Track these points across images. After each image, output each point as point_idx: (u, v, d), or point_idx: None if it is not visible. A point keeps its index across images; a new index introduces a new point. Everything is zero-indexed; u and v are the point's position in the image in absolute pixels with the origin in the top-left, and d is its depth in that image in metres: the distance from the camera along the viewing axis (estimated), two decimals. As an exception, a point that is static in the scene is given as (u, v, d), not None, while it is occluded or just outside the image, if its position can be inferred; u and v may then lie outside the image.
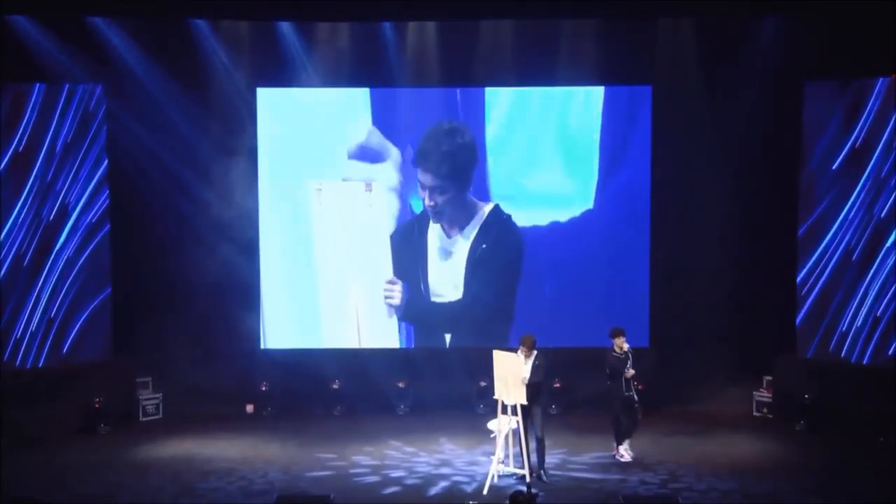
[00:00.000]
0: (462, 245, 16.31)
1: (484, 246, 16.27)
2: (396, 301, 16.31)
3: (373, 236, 16.28)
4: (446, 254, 16.33)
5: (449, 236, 16.31)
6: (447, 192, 16.20)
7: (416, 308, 16.36)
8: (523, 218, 16.25)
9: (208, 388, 16.09)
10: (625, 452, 13.50)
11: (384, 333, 16.37)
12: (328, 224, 16.24)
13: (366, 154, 16.16)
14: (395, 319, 16.35)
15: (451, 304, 16.36)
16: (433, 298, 16.37)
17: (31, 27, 14.83)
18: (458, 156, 16.15)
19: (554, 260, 16.32)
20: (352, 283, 16.26)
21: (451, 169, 16.16)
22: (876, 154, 14.77)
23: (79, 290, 15.44)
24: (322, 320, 16.31)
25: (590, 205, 16.21)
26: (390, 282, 16.32)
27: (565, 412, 15.82)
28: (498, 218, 16.24)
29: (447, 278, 16.34)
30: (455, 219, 16.32)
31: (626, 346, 13.32)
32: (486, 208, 16.28)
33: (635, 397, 13.44)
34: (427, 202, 16.20)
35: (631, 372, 13.27)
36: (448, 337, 16.48)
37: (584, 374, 16.05)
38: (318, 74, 16.17)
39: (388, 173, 16.23)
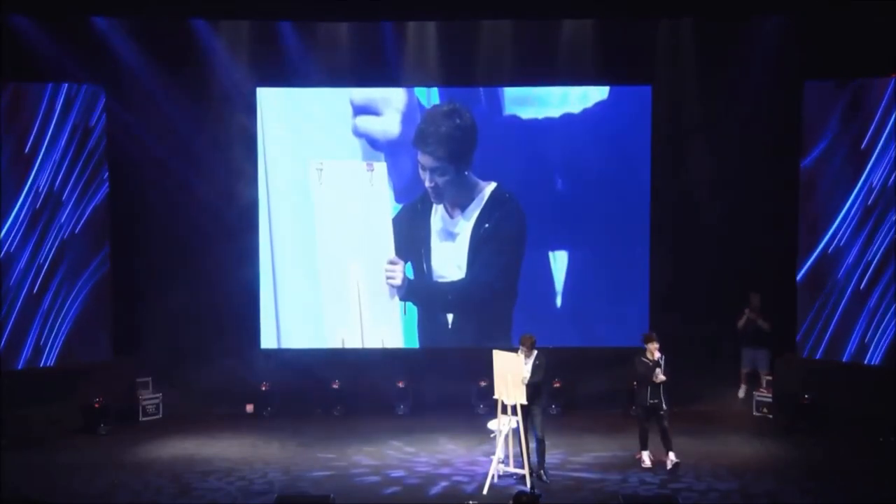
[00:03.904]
0: (465, 226, 16.27)
1: (487, 226, 16.25)
2: (397, 282, 16.26)
3: (374, 216, 16.24)
4: (449, 235, 16.31)
5: (451, 217, 16.29)
6: (447, 173, 16.16)
7: (418, 288, 16.33)
8: (533, 112, 16.17)
9: (208, 388, 16.10)
10: (647, 458, 13.23)
11: (386, 314, 16.31)
12: (329, 205, 16.21)
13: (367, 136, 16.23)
14: (396, 300, 16.29)
15: (453, 283, 16.32)
16: (436, 279, 16.35)
17: (31, 27, 14.83)
18: (458, 137, 16.12)
19: (565, 156, 16.27)
20: (353, 263, 16.21)
21: (450, 150, 16.12)
22: (876, 153, 14.76)
23: (79, 290, 15.44)
24: (324, 303, 16.26)
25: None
26: (391, 262, 16.27)
27: (565, 412, 15.81)
28: (500, 197, 16.23)
29: (451, 259, 16.30)
30: (457, 199, 16.28)
31: (657, 355, 13.06)
32: (488, 188, 16.25)
33: (663, 406, 13.10)
34: (427, 183, 16.17)
35: (661, 378, 12.99)
36: (450, 317, 16.46)
37: (584, 374, 16.12)
38: (318, 74, 16.17)
39: (390, 152, 16.24)
